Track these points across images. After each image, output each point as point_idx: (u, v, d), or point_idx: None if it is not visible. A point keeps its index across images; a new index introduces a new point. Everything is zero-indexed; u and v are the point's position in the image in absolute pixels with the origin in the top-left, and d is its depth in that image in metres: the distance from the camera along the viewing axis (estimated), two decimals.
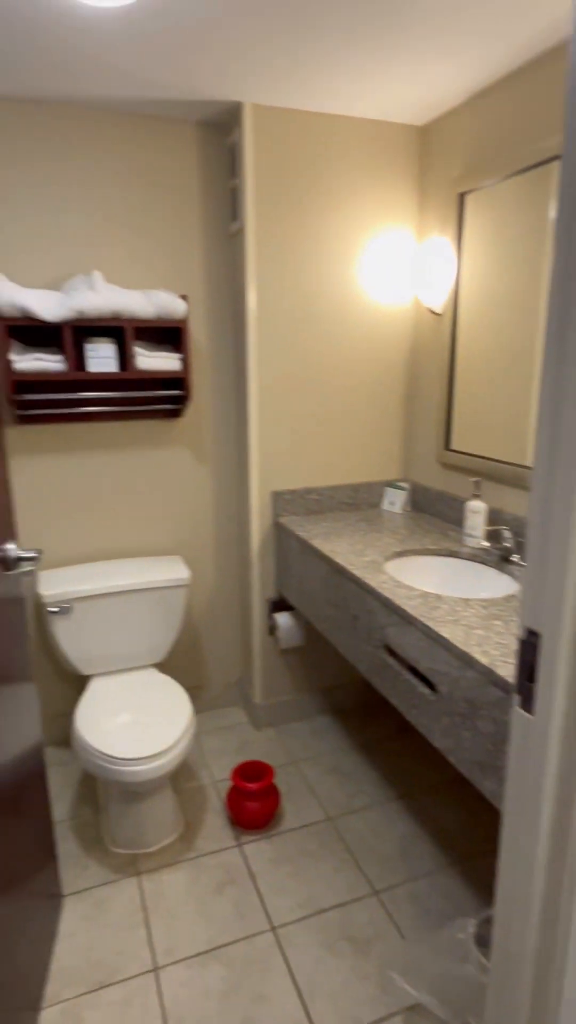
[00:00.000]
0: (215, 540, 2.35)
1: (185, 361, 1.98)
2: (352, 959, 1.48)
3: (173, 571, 2.10)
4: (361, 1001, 1.39)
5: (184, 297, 1.95)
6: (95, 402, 2.04)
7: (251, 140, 1.88)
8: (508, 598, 1.48)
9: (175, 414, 2.16)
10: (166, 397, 2.11)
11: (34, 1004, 1.36)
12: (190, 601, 2.37)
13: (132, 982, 1.44)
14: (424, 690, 1.37)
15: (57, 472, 2.08)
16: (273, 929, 1.56)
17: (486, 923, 1.27)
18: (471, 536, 1.85)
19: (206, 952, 1.51)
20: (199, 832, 1.88)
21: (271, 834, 1.87)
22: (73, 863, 1.77)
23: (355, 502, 2.30)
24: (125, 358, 1.92)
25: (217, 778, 2.12)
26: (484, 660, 1.18)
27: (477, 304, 1.88)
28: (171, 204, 2.01)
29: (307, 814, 1.95)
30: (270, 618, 2.28)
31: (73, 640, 2.00)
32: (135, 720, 1.79)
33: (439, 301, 2.05)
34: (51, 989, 1.42)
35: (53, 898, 1.59)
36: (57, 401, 1.99)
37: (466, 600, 1.46)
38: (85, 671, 2.05)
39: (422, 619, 1.36)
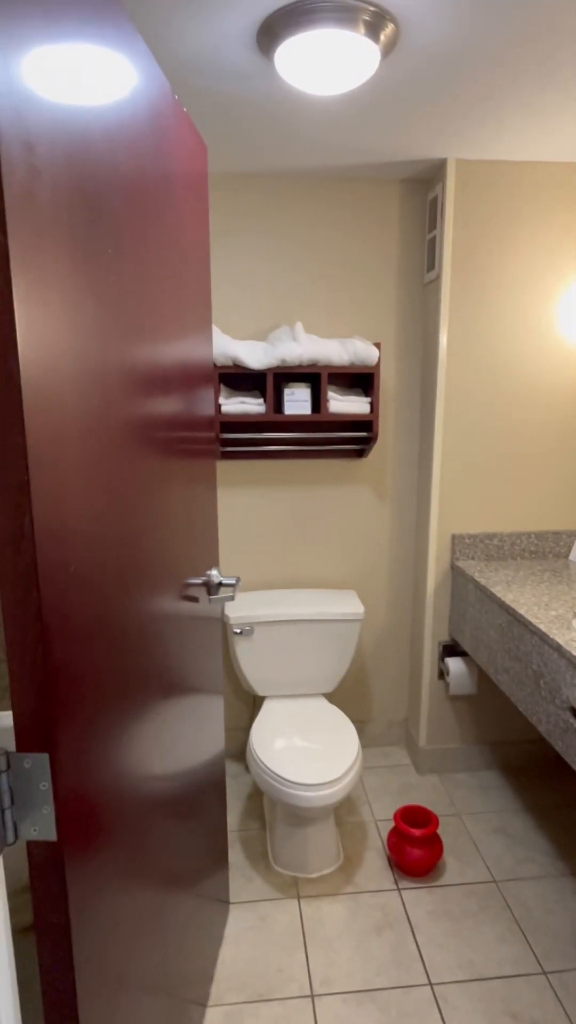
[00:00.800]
0: (390, 578, 2.39)
1: (374, 405, 2.06)
2: None
3: (349, 605, 2.16)
4: None
5: (377, 345, 2.04)
6: (288, 441, 2.19)
7: (452, 193, 1.94)
8: None
9: (361, 454, 2.25)
10: (353, 439, 2.21)
11: (202, 1000, 1.46)
12: (362, 636, 2.42)
13: (290, 1002, 1.49)
14: None
15: (249, 504, 2.26)
16: (431, 985, 1.53)
17: None
18: None
19: (362, 991, 1.51)
20: (359, 868, 1.89)
21: (432, 885, 1.83)
22: (239, 874, 1.87)
23: (539, 551, 2.21)
24: (318, 401, 2.06)
25: (378, 817, 2.12)
26: None
27: None
28: (371, 257, 2.13)
29: (471, 872, 1.88)
30: (441, 662, 2.25)
31: (252, 661, 2.15)
32: (307, 745, 1.87)
33: None
34: (216, 990, 1.52)
35: (222, 904, 1.70)
36: (255, 440, 2.17)
37: None
38: (260, 692, 2.19)
39: None
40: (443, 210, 1.96)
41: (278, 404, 2.08)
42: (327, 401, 2.04)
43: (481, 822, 2.09)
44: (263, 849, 1.97)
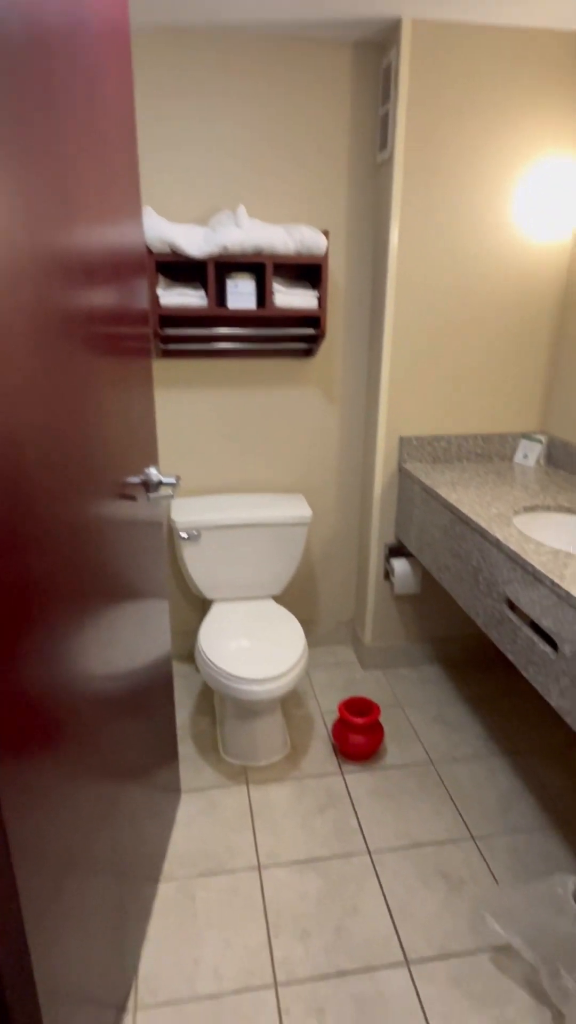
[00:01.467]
0: (338, 481, 2.37)
1: (321, 299, 1.96)
2: (445, 894, 1.54)
3: (296, 509, 2.15)
4: (449, 932, 1.44)
5: (325, 233, 1.92)
6: (232, 338, 2.09)
7: (407, 59, 1.77)
8: None
9: (308, 353, 2.17)
10: (300, 336, 2.12)
11: (155, 877, 1.54)
12: (309, 539, 2.44)
13: (239, 875, 1.58)
14: (545, 648, 1.34)
15: (195, 406, 2.18)
16: (369, 853, 1.65)
17: None
18: None
19: (305, 861, 1.62)
20: (304, 756, 1.99)
21: (373, 767, 1.94)
22: (190, 765, 1.95)
23: (485, 453, 2.22)
24: (263, 295, 1.94)
25: (324, 709, 2.21)
26: None
27: None
28: (319, 134, 1.96)
29: (409, 755, 2.00)
30: (387, 563, 2.29)
31: (200, 566, 2.14)
32: (254, 644, 1.90)
33: None
34: (168, 867, 1.60)
35: (173, 792, 1.77)
36: (197, 337, 2.06)
37: None
38: (209, 596, 2.19)
39: (551, 575, 1.31)
40: (397, 79, 1.79)
41: (221, 297, 1.96)
42: (272, 294, 1.92)
43: (421, 712, 2.21)
44: (213, 742, 2.04)
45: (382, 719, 2.16)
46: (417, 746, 2.04)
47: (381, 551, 2.30)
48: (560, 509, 1.76)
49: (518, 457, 2.20)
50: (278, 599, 2.50)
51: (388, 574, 2.31)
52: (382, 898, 1.52)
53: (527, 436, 2.18)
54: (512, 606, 1.50)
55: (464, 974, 1.35)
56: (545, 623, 1.34)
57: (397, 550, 2.29)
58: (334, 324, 2.16)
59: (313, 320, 2.06)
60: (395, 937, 1.43)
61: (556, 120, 1.88)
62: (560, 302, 2.08)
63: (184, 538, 2.08)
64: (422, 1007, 1.30)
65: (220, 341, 2.08)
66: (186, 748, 2.02)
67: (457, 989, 1.33)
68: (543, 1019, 1.27)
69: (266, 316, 2.05)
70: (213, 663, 1.80)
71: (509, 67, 1.82)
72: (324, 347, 2.18)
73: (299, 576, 2.49)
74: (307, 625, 2.56)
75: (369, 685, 2.35)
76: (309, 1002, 1.30)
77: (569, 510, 1.76)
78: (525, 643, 1.42)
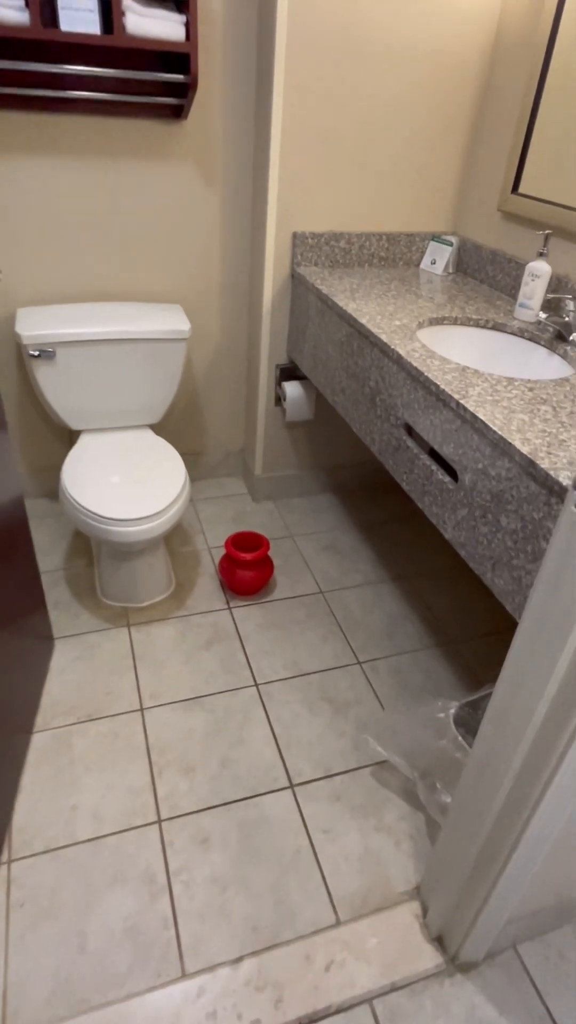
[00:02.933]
0: (221, 289, 2.03)
1: (190, 27, 1.47)
2: (329, 717, 1.55)
3: (172, 321, 1.82)
4: (333, 753, 1.46)
5: None
6: (72, 81, 1.57)
7: None
8: (560, 382, 1.25)
9: (178, 113, 1.69)
10: (165, 84, 1.63)
11: (27, 728, 1.44)
12: (190, 358, 2.13)
13: (119, 718, 1.51)
14: (443, 478, 1.21)
15: (30, 181, 1.69)
16: (256, 685, 1.62)
17: (466, 707, 1.27)
18: (525, 307, 1.54)
19: (190, 699, 1.57)
20: (190, 593, 1.88)
21: (262, 601, 1.87)
22: (65, 610, 1.79)
23: (390, 257, 1.93)
24: (110, 16, 1.43)
25: (212, 545, 2.09)
26: (524, 449, 0.99)
27: None
28: None
29: (299, 586, 1.94)
30: (278, 387, 2.06)
31: (58, 390, 1.81)
32: (127, 480, 1.67)
33: None
34: (42, 718, 1.50)
35: (44, 640, 1.62)
36: (20, 74, 1.53)
37: (510, 379, 1.23)
38: (74, 426, 1.90)
39: (455, 395, 1.14)
40: None
41: (51, 14, 1.42)
42: (123, 15, 1.41)
43: (312, 542, 2.13)
44: (91, 585, 1.88)
45: (272, 552, 2.07)
46: (307, 576, 1.98)
47: (272, 373, 2.05)
48: (468, 322, 1.56)
49: (425, 262, 1.94)
50: (156, 429, 2.24)
51: (279, 399, 2.09)
52: (268, 727, 1.51)
53: (436, 238, 1.90)
54: (410, 432, 1.34)
55: (345, 790, 1.39)
56: (446, 450, 1.19)
57: (289, 372, 2.05)
58: (209, 73, 1.67)
59: (181, 60, 1.58)
60: (280, 763, 1.44)
61: None
62: (480, 76, 1.70)
63: (35, 356, 1.72)
64: (304, 823, 1.33)
65: (58, 87, 1.56)
66: (60, 593, 1.85)
67: (338, 803, 1.37)
68: (417, 823, 1.34)
69: (116, 48, 1.54)
70: (78, 503, 1.57)
71: None
72: (199, 107, 1.71)
73: (180, 402, 2.21)
74: (192, 457, 2.34)
75: (260, 517, 2.23)
76: (193, 833, 1.29)
77: (477, 323, 1.56)
78: (422, 472, 1.29)
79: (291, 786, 1.39)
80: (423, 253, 1.96)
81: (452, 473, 1.20)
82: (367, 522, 2.25)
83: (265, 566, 1.85)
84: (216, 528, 2.17)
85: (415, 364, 1.26)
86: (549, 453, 0.99)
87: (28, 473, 2.17)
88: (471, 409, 1.10)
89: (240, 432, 2.36)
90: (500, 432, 1.03)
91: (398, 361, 1.32)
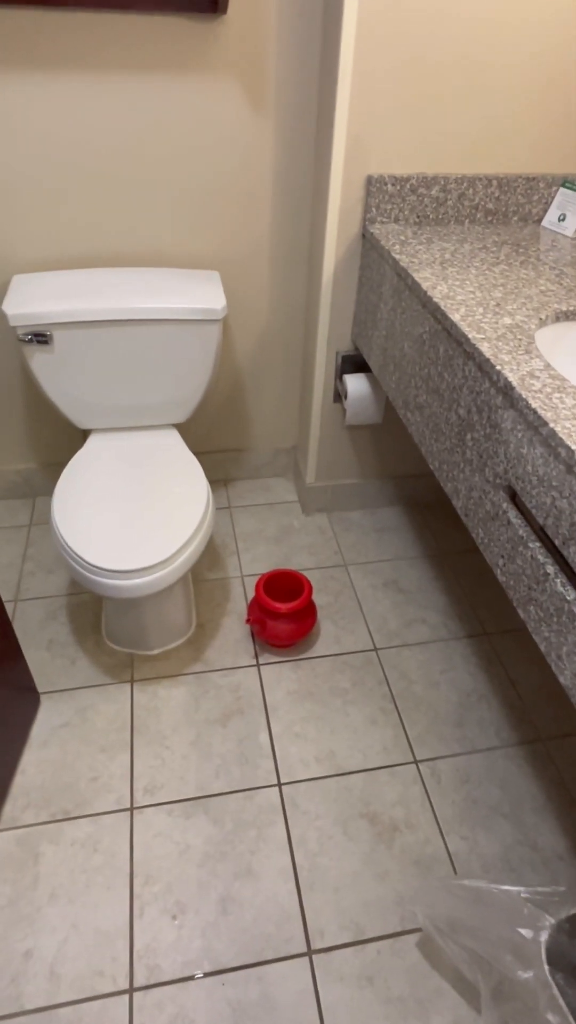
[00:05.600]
0: (272, 251, 1.57)
1: None
2: (369, 845, 1.18)
3: (204, 296, 1.40)
4: (369, 905, 1.10)
5: None
6: None
7: None
8: None
9: (212, 4, 1.22)
10: None
11: None
12: (231, 340, 1.71)
13: (103, 820, 1.20)
14: (567, 593, 0.77)
15: (23, 107, 1.28)
16: (279, 785, 1.26)
17: (569, 924, 0.85)
18: None
19: (194, 799, 1.23)
20: (213, 639, 1.53)
21: (299, 657, 1.50)
22: (60, 653, 1.48)
23: (501, 210, 1.41)
24: None
25: (247, 572, 1.71)
26: None
27: None
28: None
29: (348, 639, 1.55)
30: (338, 380, 1.61)
31: (58, 382, 1.44)
32: (131, 510, 1.30)
33: None
34: (10, 809, 1.21)
35: (26, 693, 1.32)
36: None
37: None
38: (82, 424, 1.54)
39: None
40: None
41: None
42: None
43: (370, 574, 1.72)
44: (96, 619, 1.56)
45: (318, 587, 1.68)
46: (359, 624, 1.58)
47: (331, 363, 1.60)
48: None
49: (550, 218, 1.41)
50: (184, 428, 1.85)
51: (340, 396, 1.65)
52: (288, 853, 1.16)
53: (570, 184, 1.36)
54: (515, 499, 0.89)
55: (381, 968, 1.03)
56: (573, 548, 0.74)
57: (354, 362, 1.59)
58: None
59: None
60: (298, 913, 1.09)
61: None
62: None
63: (27, 340, 1.36)
64: (321, 1017, 0.98)
65: None
66: (58, 628, 1.54)
67: (370, 989, 1.01)
68: None
69: None
70: (65, 543, 1.23)
71: None
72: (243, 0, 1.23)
73: (215, 396, 1.80)
74: (233, 453, 1.95)
75: (309, 537, 1.83)
76: (172, 1015, 0.98)
77: None
78: (529, 567, 0.84)
79: (309, 952, 1.05)
80: (547, 205, 1.42)
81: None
82: (441, 550, 1.80)
83: (305, 617, 1.47)
84: (255, 548, 1.78)
85: (534, 405, 0.79)
86: None
87: (38, 468, 1.85)
88: None
89: (293, 426, 1.94)
90: None
91: (506, 392, 0.86)
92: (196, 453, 1.90)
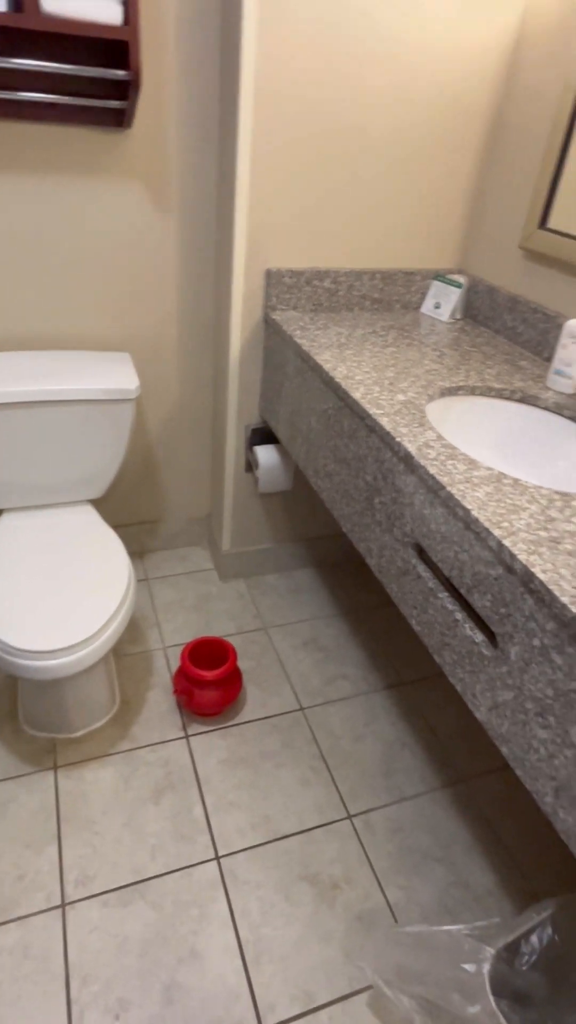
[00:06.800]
0: (180, 334, 1.67)
1: (129, 8, 1.12)
2: (311, 908, 1.18)
3: (117, 376, 1.46)
4: (316, 969, 1.10)
5: None
6: None
7: None
8: None
9: (119, 118, 1.33)
10: (100, 82, 1.28)
11: None
12: (144, 416, 1.76)
13: (32, 921, 1.12)
14: (475, 636, 0.86)
15: None
16: (217, 859, 1.24)
17: (505, 953, 0.91)
18: (562, 375, 1.21)
19: (130, 886, 1.19)
20: (138, 714, 1.51)
21: (227, 724, 1.51)
22: None
23: (385, 299, 1.59)
24: None
25: (168, 643, 1.71)
26: None
27: None
28: None
29: (274, 701, 1.58)
30: (249, 451, 1.70)
31: None
32: (51, 589, 1.29)
33: None
34: None
35: None
36: None
37: (565, 497, 0.88)
38: None
39: (496, 532, 0.79)
40: None
41: None
42: None
43: (289, 635, 1.77)
44: (11, 704, 1.50)
45: (242, 652, 1.70)
46: (284, 686, 1.62)
47: (242, 435, 1.69)
48: (490, 392, 1.22)
49: (427, 306, 1.60)
50: (100, 503, 1.86)
51: (251, 466, 1.73)
52: (231, 928, 1.14)
53: (442, 277, 1.57)
54: (423, 554, 0.99)
55: None
56: (481, 602, 0.84)
57: (263, 434, 1.69)
58: (158, 69, 1.32)
59: (117, 49, 1.22)
60: (247, 990, 1.07)
61: None
62: (496, 93, 1.37)
63: None
64: None
65: None
66: None
67: None
68: None
69: (32, 33, 1.18)
70: None
71: None
72: (147, 113, 1.35)
73: (129, 470, 1.84)
74: (148, 526, 1.97)
75: (228, 602, 1.86)
76: None
77: (500, 393, 1.23)
78: (441, 617, 0.94)
79: None
80: (424, 295, 1.62)
81: (491, 634, 0.85)
82: (355, 607, 1.89)
83: (232, 682, 1.49)
84: (175, 619, 1.79)
85: (432, 472, 0.91)
86: None
87: None
88: (523, 561, 0.75)
89: (206, 496, 1.99)
90: (572, 602, 0.69)
91: (407, 460, 0.97)
92: (112, 526, 1.90)
